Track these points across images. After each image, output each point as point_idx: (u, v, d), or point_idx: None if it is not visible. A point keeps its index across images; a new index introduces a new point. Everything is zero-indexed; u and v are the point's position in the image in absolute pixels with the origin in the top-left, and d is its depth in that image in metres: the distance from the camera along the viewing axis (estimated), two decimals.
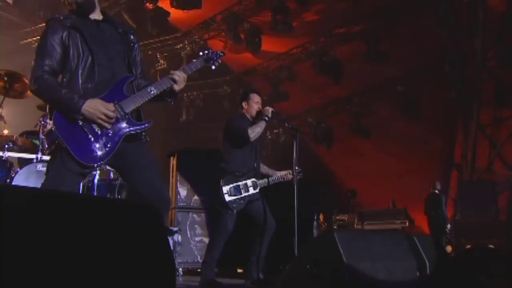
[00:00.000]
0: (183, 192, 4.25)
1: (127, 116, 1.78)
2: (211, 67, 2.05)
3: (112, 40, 1.87)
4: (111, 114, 1.73)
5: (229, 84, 8.70)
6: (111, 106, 1.75)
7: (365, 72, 7.42)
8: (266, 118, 3.08)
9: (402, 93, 7.31)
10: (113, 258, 0.94)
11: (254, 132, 3.03)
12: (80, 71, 1.78)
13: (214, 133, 8.71)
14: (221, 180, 2.92)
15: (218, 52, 2.09)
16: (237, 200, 2.95)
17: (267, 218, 3.03)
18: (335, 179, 9.18)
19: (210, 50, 2.08)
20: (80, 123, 1.72)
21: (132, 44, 1.93)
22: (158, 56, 8.09)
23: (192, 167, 4.31)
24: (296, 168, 2.89)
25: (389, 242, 1.91)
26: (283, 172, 3.23)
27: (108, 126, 1.74)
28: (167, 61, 8.08)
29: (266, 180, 3.12)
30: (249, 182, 3.05)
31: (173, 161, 4.36)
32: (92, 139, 1.72)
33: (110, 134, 1.75)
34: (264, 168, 3.25)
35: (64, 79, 1.78)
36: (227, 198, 2.93)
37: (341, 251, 1.59)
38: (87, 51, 1.80)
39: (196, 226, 4.22)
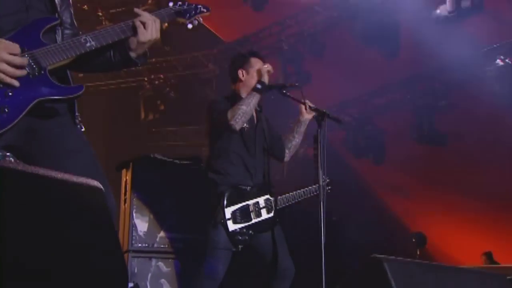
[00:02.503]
0: (141, 225, 4.35)
1: (43, 73, 1.81)
2: (186, 24, 2.13)
3: None
4: (18, 61, 1.73)
5: (217, 61, 8.77)
6: (17, 49, 1.77)
7: (438, 38, 7.26)
8: (258, 86, 3.13)
9: (508, 72, 6.85)
10: (52, 236, 1.35)
11: (236, 113, 3.04)
12: None
13: (194, 140, 9.00)
14: (224, 197, 2.99)
15: (199, 6, 2.18)
16: (245, 230, 3.01)
17: (282, 259, 3.08)
18: (390, 215, 9.20)
19: (186, 2, 2.18)
20: None
21: None
22: (100, 14, 8.06)
23: (156, 184, 4.43)
24: (324, 177, 2.94)
25: (477, 284, 1.99)
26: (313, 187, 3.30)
27: (15, 83, 1.74)
28: (115, 22, 7.80)
29: (284, 197, 3.25)
30: (261, 201, 3.13)
31: (126, 176, 4.48)
32: None
33: (10, 94, 1.74)
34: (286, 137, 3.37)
35: None
36: (231, 226, 2.98)
37: None
38: None
39: (162, 281, 4.28)
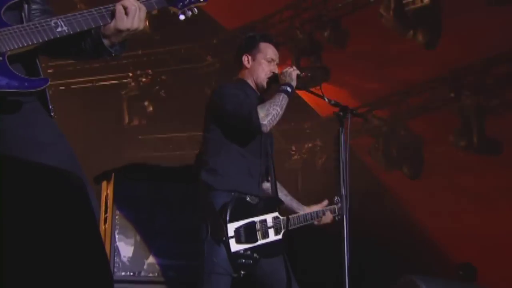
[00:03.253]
0: (126, 250, 4.39)
1: (1, 60, 1.88)
2: (178, 14, 2.25)
3: None
4: None
5: (217, 52, 8.58)
6: None
7: (489, 23, 7.10)
8: (289, 89, 3.25)
9: None
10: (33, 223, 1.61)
11: (270, 113, 3.17)
12: None
13: (190, 149, 8.83)
14: (227, 210, 3.06)
15: None
16: (249, 253, 3.06)
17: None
18: (428, 241, 9.00)
19: None
20: None
21: None
22: None
23: (143, 200, 4.57)
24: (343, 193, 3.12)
25: None
26: (316, 208, 3.55)
27: None
28: (91, 6, 7.82)
29: (296, 217, 3.37)
30: (269, 219, 3.21)
31: (106, 190, 4.61)
32: None
33: None
34: (280, 194, 3.53)
35: None
36: (234, 246, 3.03)
37: None
38: None
39: None
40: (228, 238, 3.00)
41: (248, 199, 3.18)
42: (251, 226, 3.12)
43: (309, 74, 3.49)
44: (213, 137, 3.30)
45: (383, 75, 8.35)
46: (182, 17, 2.22)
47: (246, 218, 3.12)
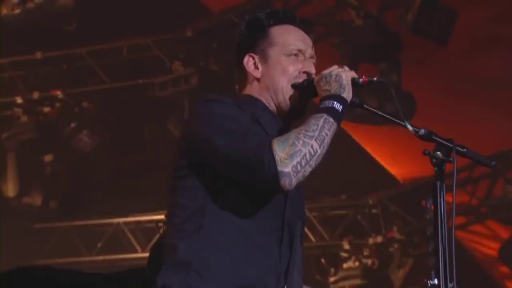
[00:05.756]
0: None
1: None
2: None
3: None
4: None
5: (194, 55, 8.19)
6: None
7: None
8: (337, 106, 3.32)
9: None
10: None
11: (299, 152, 3.24)
12: None
13: (140, 252, 8.82)
14: None
15: None
16: None
17: None
18: None
19: None
20: None
21: None
22: None
23: None
24: None
25: None
26: None
27: None
28: None
29: None
30: None
31: None
32: None
33: None
34: None
35: None
36: None
37: None
38: None
39: None
40: None
41: None
42: None
43: (375, 79, 3.00)
44: (188, 200, 3.03)
45: None
46: None
47: None
